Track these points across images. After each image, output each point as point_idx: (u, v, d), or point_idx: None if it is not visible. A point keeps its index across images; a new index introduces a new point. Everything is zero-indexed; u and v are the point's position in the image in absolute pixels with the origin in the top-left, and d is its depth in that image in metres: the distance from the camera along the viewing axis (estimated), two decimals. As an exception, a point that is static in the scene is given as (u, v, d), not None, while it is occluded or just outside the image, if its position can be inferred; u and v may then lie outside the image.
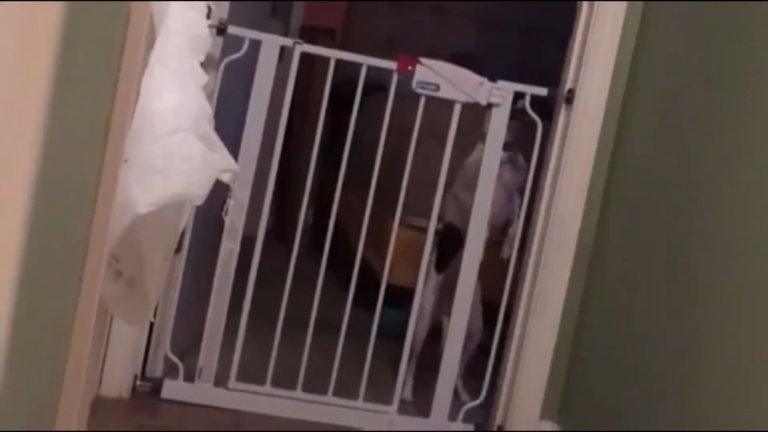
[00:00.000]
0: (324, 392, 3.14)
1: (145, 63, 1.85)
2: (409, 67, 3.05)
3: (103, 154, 1.69)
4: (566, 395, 3.14)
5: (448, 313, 3.27)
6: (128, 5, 1.65)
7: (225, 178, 1.95)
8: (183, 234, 2.75)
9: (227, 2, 2.98)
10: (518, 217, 3.26)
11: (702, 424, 2.37)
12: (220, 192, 2.12)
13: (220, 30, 2.89)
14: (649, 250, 2.83)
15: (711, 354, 2.41)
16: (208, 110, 1.97)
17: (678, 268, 2.64)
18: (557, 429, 3.12)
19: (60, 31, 1.24)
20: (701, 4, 2.77)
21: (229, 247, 3.03)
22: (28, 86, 1.07)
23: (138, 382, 3.04)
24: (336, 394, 3.15)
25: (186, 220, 1.93)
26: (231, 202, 2.24)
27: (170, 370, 3.08)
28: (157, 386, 3.05)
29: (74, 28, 1.33)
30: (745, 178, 2.40)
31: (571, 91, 3.09)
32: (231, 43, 2.97)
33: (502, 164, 3.19)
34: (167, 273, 2.58)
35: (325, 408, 3.14)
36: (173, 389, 3.06)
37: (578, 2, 3.11)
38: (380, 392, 3.24)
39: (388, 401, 3.20)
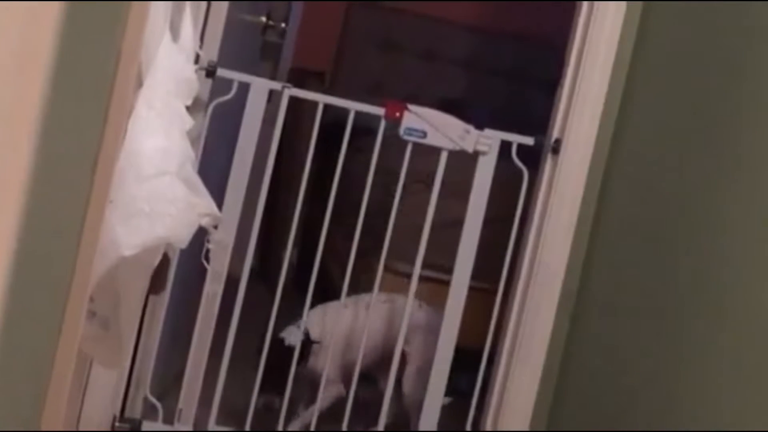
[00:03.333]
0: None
1: (132, 105, 1.85)
2: (397, 114, 3.06)
3: (89, 194, 1.69)
4: (547, 445, 3.13)
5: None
6: (118, 47, 1.66)
7: (204, 222, 1.95)
8: (167, 274, 2.74)
9: (217, 44, 2.99)
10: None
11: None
12: (201, 234, 2.11)
13: (210, 72, 2.90)
14: (634, 297, 2.83)
15: (696, 403, 2.40)
16: (191, 154, 1.98)
17: (663, 316, 2.64)
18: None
19: (49, 72, 1.25)
20: (690, 51, 2.80)
21: (213, 290, 3.02)
22: (15, 128, 1.07)
23: (117, 423, 3.01)
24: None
25: (158, 259, 1.92)
26: (210, 246, 2.24)
27: (149, 412, 3.05)
28: (135, 427, 3.02)
29: (63, 70, 1.33)
30: (734, 229, 2.41)
31: (558, 141, 3.10)
32: (220, 86, 2.98)
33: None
34: (140, 315, 2.58)
35: (305, 452, 3.12)
36: (152, 431, 3.03)
37: (568, 50, 3.13)
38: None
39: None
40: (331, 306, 3.32)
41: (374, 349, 3.31)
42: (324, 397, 3.19)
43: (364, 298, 3.36)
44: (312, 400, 3.22)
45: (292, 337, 3.17)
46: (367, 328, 3.23)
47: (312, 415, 3.18)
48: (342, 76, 5.56)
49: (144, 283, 1.92)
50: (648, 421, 2.59)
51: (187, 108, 2.00)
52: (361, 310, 3.32)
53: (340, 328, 3.26)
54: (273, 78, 3.61)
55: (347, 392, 3.20)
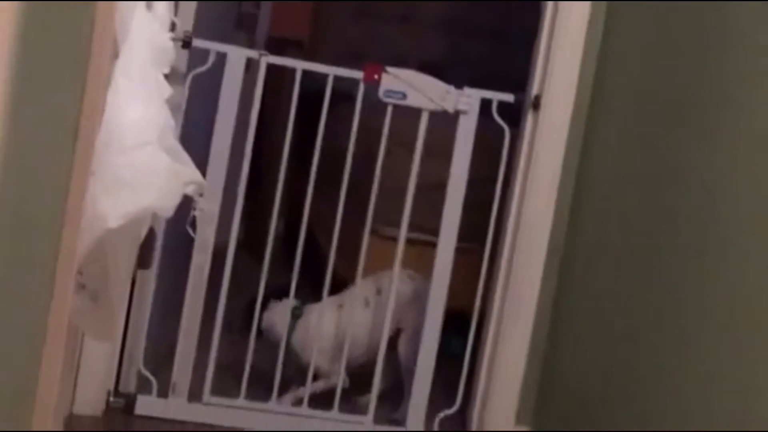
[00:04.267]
0: (299, 403, 3.14)
1: (109, 76, 1.84)
2: (376, 76, 3.05)
3: (71, 167, 1.68)
4: (541, 399, 3.14)
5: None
6: (93, 17, 1.64)
7: (189, 190, 1.95)
8: (154, 248, 2.74)
9: (192, 15, 2.97)
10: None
11: (678, 426, 2.39)
12: (186, 204, 2.11)
13: (186, 43, 2.89)
14: (619, 251, 2.84)
15: (682, 355, 2.42)
16: (172, 123, 1.97)
17: (649, 267, 2.65)
18: (533, 434, 3.13)
19: (23, 44, 1.24)
20: (666, 5, 2.79)
21: (201, 260, 3.02)
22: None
23: (111, 399, 3.02)
24: (311, 405, 3.14)
25: (146, 230, 1.92)
26: (196, 214, 2.23)
27: (143, 386, 3.06)
28: (130, 402, 3.03)
29: (38, 40, 1.33)
30: (714, 181, 2.42)
31: (538, 97, 3.10)
32: (197, 56, 2.96)
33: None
34: (129, 286, 2.57)
35: (300, 420, 3.13)
36: (147, 405, 3.04)
37: (542, 3, 3.12)
38: (356, 403, 3.26)
39: (363, 411, 3.19)
40: (316, 308, 3.30)
41: (369, 340, 3.29)
42: (314, 385, 3.19)
43: (353, 293, 3.32)
44: (302, 383, 3.23)
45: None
46: (354, 327, 3.24)
47: (303, 394, 3.18)
48: (320, 44, 5.54)
49: (132, 253, 1.92)
50: (640, 370, 2.61)
51: (165, 76, 1.99)
52: (348, 309, 3.29)
53: (329, 329, 3.26)
54: (250, 48, 3.59)
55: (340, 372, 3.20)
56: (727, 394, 2.21)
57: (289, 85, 3.19)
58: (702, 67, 2.55)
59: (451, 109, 3.09)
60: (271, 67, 3.06)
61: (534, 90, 3.12)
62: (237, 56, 3.02)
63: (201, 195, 2.08)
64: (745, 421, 2.13)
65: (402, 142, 3.32)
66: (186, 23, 2.93)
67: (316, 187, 3.18)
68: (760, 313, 2.13)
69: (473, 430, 3.20)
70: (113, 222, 1.77)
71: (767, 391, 2.07)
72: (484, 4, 5.62)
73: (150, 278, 2.98)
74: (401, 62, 3.26)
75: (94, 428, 2.92)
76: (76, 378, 2.91)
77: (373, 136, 3.26)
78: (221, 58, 2.99)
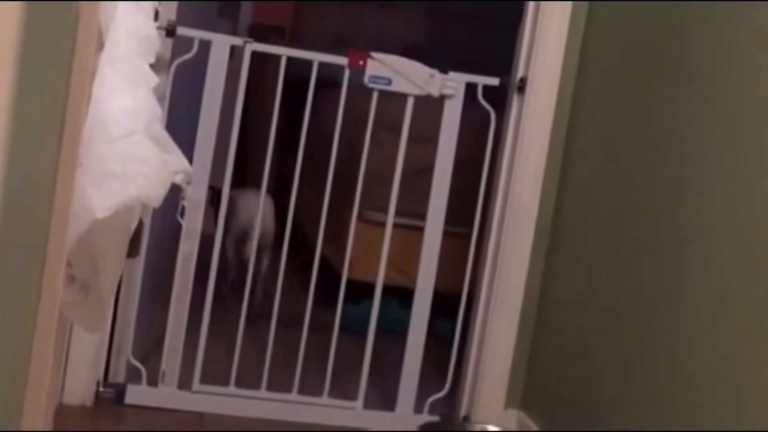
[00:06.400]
0: (288, 390, 3.14)
1: (95, 67, 1.83)
2: (361, 62, 3.05)
3: (58, 159, 1.67)
4: (530, 383, 3.15)
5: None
6: (77, 9, 1.64)
7: (178, 179, 1.94)
8: (141, 238, 2.74)
9: (175, 4, 2.96)
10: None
11: (661, 409, 2.40)
12: (174, 194, 2.11)
13: (170, 31, 2.88)
14: (606, 233, 2.85)
15: (670, 338, 2.43)
16: (159, 112, 1.97)
17: (635, 250, 2.66)
18: (522, 417, 3.14)
19: (14, 38, 1.23)
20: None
21: (188, 249, 3.02)
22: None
23: (101, 389, 3.02)
24: (300, 391, 3.15)
25: (137, 221, 1.92)
26: (185, 204, 2.22)
27: (133, 375, 3.06)
28: (120, 392, 3.03)
29: (21, 33, 1.32)
30: (697, 161, 2.43)
31: (523, 80, 3.10)
32: (181, 45, 2.96)
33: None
34: (120, 277, 2.58)
35: (290, 406, 3.14)
36: (137, 394, 3.04)
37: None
38: (346, 388, 3.26)
39: (353, 397, 3.20)
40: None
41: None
42: None
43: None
44: None
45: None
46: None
47: None
48: (302, 31, 5.53)
49: (121, 244, 1.92)
50: (626, 352, 2.62)
51: (151, 66, 1.98)
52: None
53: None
54: (233, 35, 3.58)
55: None
56: (708, 377, 2.23)
57: (272, 72, 3.19)
58: (687, 45, 2.56)
59: (436, 94, 3.10)
60: (254, 54, 3.05)
61: (519, 73, 3.12)
62: (221, 44, 3.01)
63: (189, 184, 2.07)
64: (724, 396, 2.15)
65: (387, 127, 3.32)
66: (169, 12, 2.92)
67: (301, 174, 3.18)
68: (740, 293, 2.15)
69: (463, 413, 3.21)
70: (101, 213, 1.76)
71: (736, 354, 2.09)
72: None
73: (138, 267, 2.98)
74: (382, 47, 3.26)
75: (84, 418, 2.92)
76: (65, 368, 2.91)
77: (357, 121, 3.26)
78: (205, 46, 2.99)
